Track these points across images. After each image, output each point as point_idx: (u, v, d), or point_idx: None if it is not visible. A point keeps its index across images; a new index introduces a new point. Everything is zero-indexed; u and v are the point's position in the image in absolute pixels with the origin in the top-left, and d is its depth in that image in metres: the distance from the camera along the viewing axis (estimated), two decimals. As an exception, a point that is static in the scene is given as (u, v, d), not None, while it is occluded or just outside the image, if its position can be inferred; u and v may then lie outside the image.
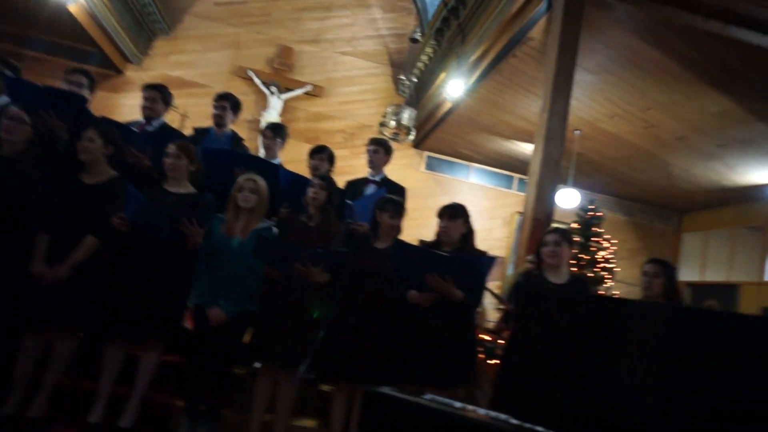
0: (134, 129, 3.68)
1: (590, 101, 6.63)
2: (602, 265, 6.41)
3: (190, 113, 9.50)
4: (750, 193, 8.85)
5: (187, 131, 8.70)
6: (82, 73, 3.85)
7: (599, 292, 6.18)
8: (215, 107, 4.13)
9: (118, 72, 9.81)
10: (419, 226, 8.80)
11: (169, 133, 3.85)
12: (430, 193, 10.12)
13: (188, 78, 10.08)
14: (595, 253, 6.47)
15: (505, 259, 10.08)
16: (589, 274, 6.21)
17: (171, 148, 3.10)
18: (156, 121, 3.98)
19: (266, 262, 3.04)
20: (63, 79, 3.81)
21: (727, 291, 9.59)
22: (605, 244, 6.61)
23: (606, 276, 6.42)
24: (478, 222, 11.29)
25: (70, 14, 7.71)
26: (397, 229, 3.28)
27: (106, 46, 9.02)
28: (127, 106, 9.55)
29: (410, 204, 4.01)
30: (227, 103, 4.13)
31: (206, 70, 10.20)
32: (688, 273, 10.75)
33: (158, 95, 3.98)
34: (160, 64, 10.09)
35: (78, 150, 2.98)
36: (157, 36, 10.14)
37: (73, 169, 3.01)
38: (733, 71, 5.37)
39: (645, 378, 1.16)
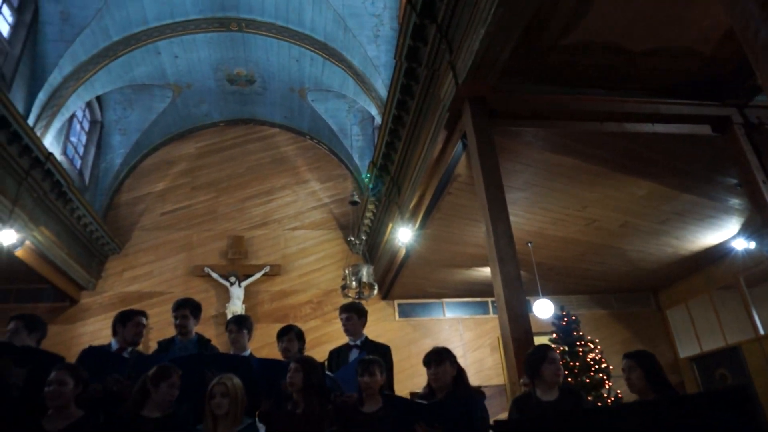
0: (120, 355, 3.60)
1: (530, 215, 7.03)
2: (595, 367, 6.25)
3: (153, 323, 9.33)
4: (710, 255, 9.12)
5: (152, 344, 8.46)
6: (15, 319, 3.74)
7: (604, 395, 5.96)
8: (175, 317, 4.05)
9: (73, 302, 9.72)
10: (412, 376, 8.59)
11: (141, 359, 3.73)
12: (410, 339, 9.96)
13: (146, 290, 10.09)
14: (584, 357, 6.34)
15: (506, 386, 9.69)
16: (586, 380, 6.02)
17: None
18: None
19: None
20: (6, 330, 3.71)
21: (730, 355, 9.44)
22: (591, 345, 6.53)
23: (603, 377, 6.23)
24: (467, 355, 10.96)
25: (17, 259, 7.77)
26: (376, 388, 3.15)
27: (58, 280, 9.04)
28: (87, 334, 9.32)
29: (395, 357, 3.92)
30: (187, 310, 4.06)
31: (163, 278, 10.27)
32: (686, 349, 10.60)
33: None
34: (115, 284, 10.12)
35: (47, 397, 2.82)
36: (108, 257, 10.30)
37: (31, 414, 2.83)
38: (640, 158, 5.92)
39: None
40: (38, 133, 8.04)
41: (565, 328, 6.74)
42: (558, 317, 7.02)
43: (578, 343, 6.54)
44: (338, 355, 4.05)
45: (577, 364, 6.24)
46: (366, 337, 4.08)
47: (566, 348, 6.50)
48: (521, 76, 5.15)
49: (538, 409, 2.93)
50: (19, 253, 7.66)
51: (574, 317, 6.99)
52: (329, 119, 11.55)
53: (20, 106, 7.85)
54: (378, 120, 9.58)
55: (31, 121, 8.06)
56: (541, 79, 5.24)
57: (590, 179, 6.32)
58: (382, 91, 8.75)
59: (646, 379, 2.90)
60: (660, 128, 5.43)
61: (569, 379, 6.01)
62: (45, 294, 9.49)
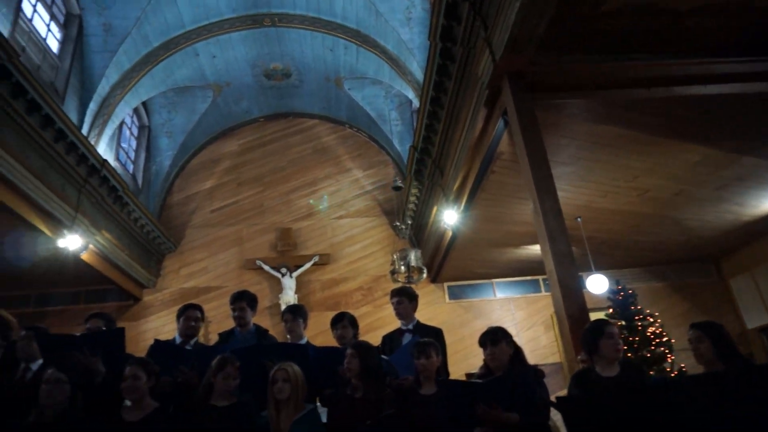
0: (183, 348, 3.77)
1: (578, 188, 6.84)
2: (656, 340, 6.05)
3: (211, 317, 9.69)
4: (776, 218, 8.59)
5: (212, 336, 8.78)
6: (96, 317, 3.98)
7: (667, 369, 5.79)
8: (234, 309, 4.20)
9: (136, 300, 10.21)
10: (467, 357, 8.61)
11: (203, 350, 3.90)
12: (462, 321, 9.96)
13: (203, 285, 10.48)
14: (644, 331, 6.16)
15: (562, 364, 9.56)
16: (647, 354, 5.85)
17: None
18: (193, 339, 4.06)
19: None
20: (84, 329, 3.95)
21: (803, 324, 8.95)
22: (650, 319, 6.32)
23: (665, 351, 6.03)
24: (520, 335, 10.88)
25: (83, 262, 8.21)
26: (433, 369, 3.18)
27: (121, 280, 9.50)
28: (151, 330, 9.78)
29: (447, 339, 3.93)
30: (244, 302, 4.20)
31: (217, 273, 10.63)
32: (754, 319, 10.10)
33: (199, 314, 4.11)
34: (173, 281, 10.55)
35: (123, 391, 3.00)
36: (165, 256, 10.74)
37: (111, 403, 3.02)
38: (692, 122, 5.63)
39: None
40: (92, 142, 8.43)
41: (621, 303, 6.54)
42: (614, 292, 6.82)
43: (636, 317, 6.34)
44: (391, 340, 4.10)
45: (637, 338, 6.06)
46: (418, 321, 4.11)
47: (624, 323, 6.31)
48: (560, 47, 4.98)
49: (599, 385, 2.87)
50: (84, 256, 8.08)
51: (630, 291, 6.76)
52: (367, 106, 11.56)
53: (73, 117, 8.24)
54: (416, 103, 9.52)
55: (84, 130, 8.45)
56: (581, 48, 5.05)
57: (639, 148, 6.08)
58: (418, 74, 8.67)
59: (714, 350, 2.80)
60: (713, 89, 5.15)
61: (629, 354, 5.87)
62: (111, 294, 10.00)
